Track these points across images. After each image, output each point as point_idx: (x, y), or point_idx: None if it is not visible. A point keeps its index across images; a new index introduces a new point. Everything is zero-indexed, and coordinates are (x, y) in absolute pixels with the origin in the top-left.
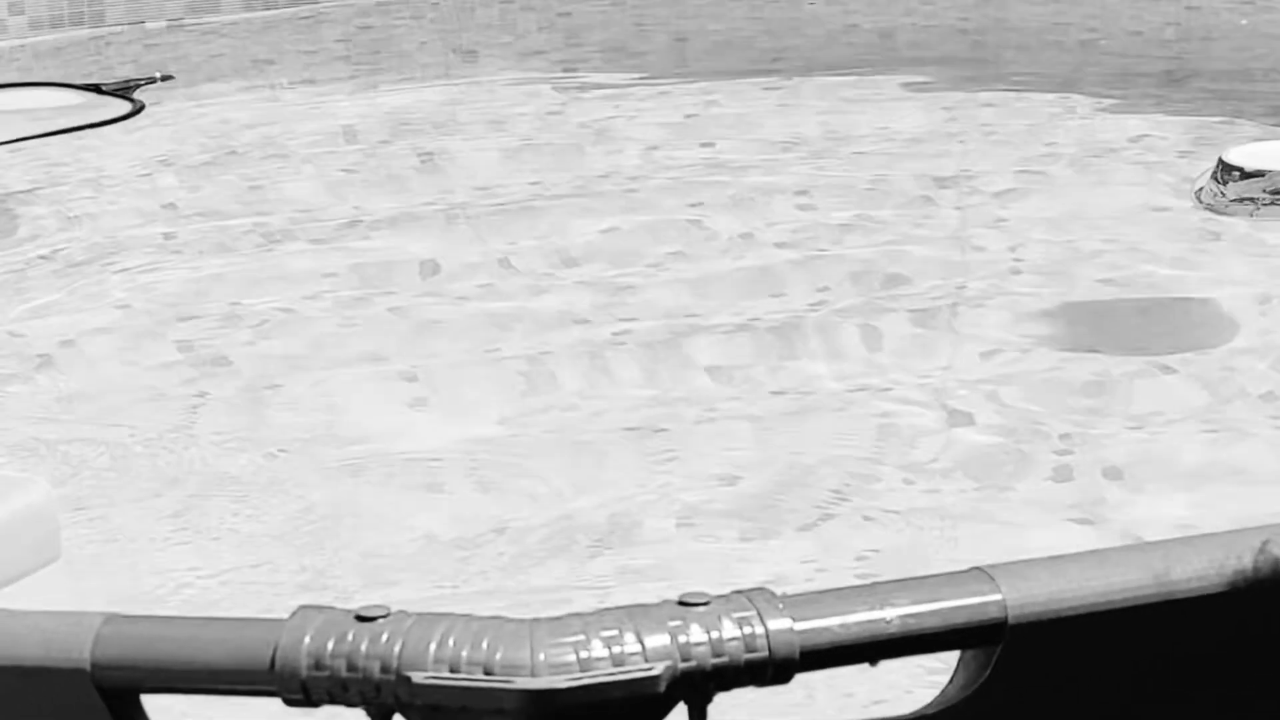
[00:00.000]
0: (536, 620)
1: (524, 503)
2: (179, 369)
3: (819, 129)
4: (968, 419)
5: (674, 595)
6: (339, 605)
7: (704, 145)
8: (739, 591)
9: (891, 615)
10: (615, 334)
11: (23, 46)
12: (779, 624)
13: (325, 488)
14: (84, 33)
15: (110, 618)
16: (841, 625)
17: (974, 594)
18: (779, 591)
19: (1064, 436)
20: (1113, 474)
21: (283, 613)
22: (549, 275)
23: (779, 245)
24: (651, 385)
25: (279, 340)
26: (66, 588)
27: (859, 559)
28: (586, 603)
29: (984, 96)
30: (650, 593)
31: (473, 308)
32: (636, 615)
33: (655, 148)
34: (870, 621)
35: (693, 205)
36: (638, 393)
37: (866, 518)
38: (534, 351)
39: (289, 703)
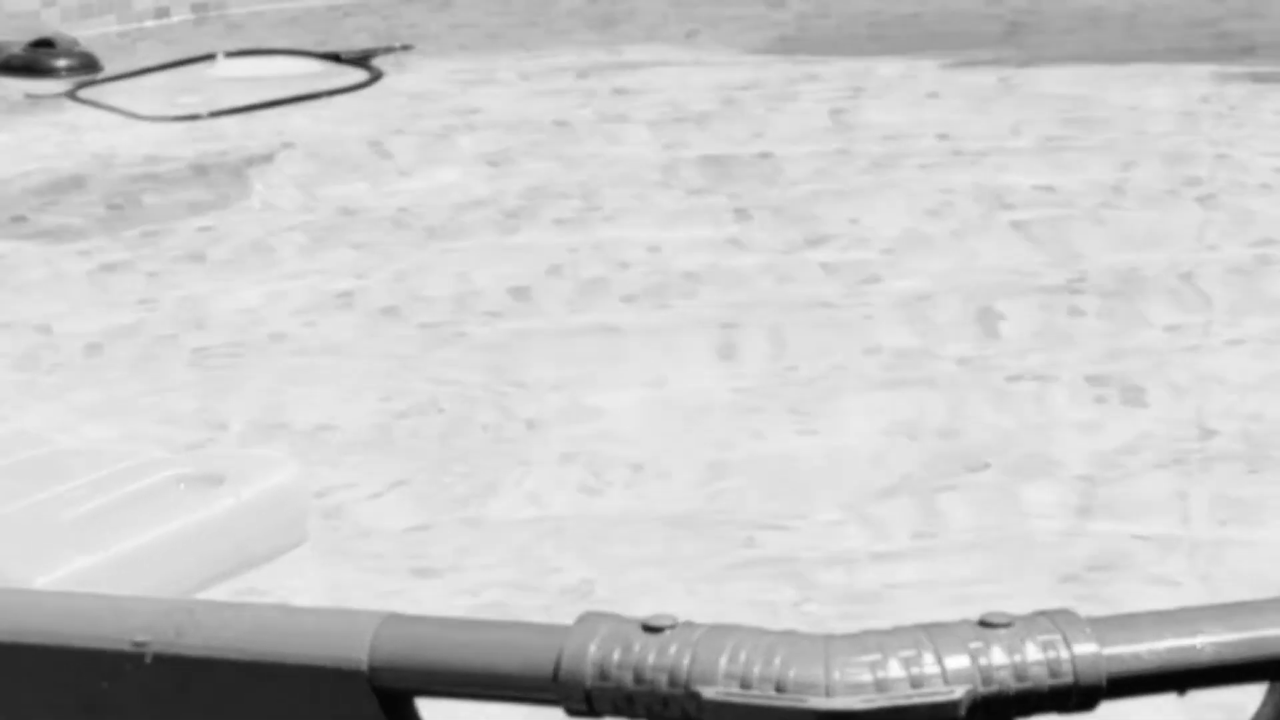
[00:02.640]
0: (830, 636)
1: None
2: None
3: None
4: None
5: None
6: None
7: None
8: (1042, 613)
9: (1203, 642)
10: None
11: (259, 14)
12: (1085, 648)
13: None
14: (321, 2)
15: (389, 618)
16: (1150, 652)
17: None
18: (1084, 614)
19: None
20: None
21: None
22: None
23: None
24: None
25: (514, 320)
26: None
27: None
28: None
29: None
30: None
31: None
32: (936, 634)
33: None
34: (1181, 649)
35: None
36: None
37: None
38: None
39: (571, 713)
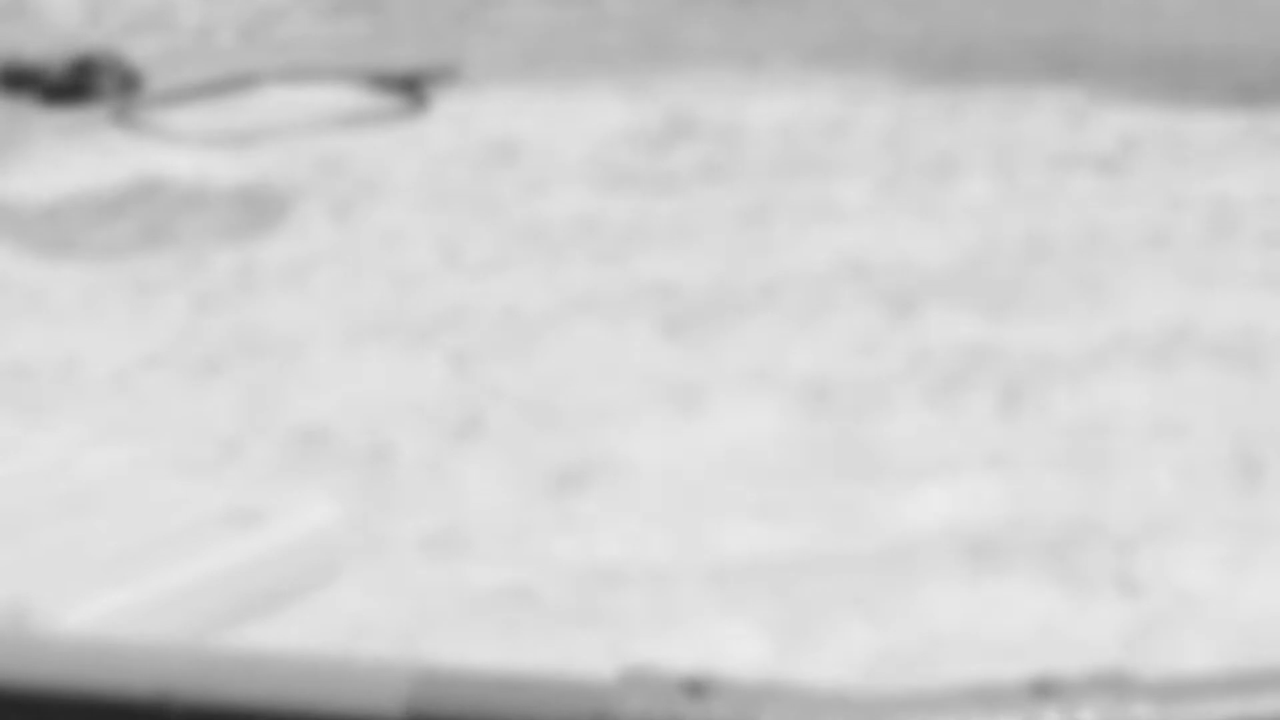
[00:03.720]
0: (879, 700)
1: None
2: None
3: None
4: None
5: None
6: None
7: None
8: (1099, 674)
9: (1268, 709)
10: None
11: (305, 38)
12: (1143, 712)
13: None
14: (365, 22)
15: (424, 674)
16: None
17: None
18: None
19: None
20: None
21: None
22: None
23: None
24: None
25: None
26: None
27: None
28: None
29: None
30: None
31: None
32: (988, 698)
33: None
34: (1243, 716)
35: None
36: None
37: None
38: None
39: None
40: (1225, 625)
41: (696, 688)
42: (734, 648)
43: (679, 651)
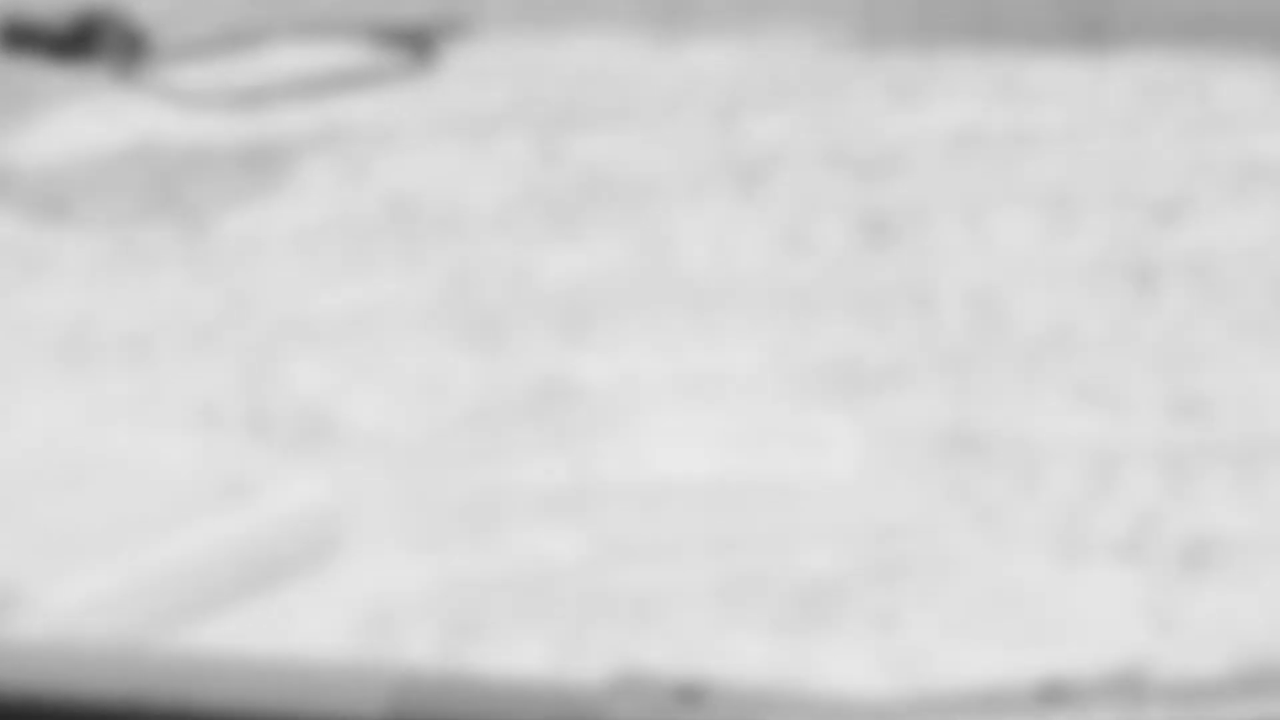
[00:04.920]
0: (882, 706)
1: None
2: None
3: None
4: None
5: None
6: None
7: None
8: (1113, 676)
9: None
10: None
11: None
12: (1158, 716)
13: None
14: None
15: (405, 677)
16: None
17: None
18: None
19: None
20: None
21: None
22: None
23: None
24: None
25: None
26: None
27: None
28: None
29: None
30: None
31: None
32: (995, 702)
33: None
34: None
35: None
36: None
37: None
38: None
39: None
40: None
41: (690, 694)
42: None
43: None
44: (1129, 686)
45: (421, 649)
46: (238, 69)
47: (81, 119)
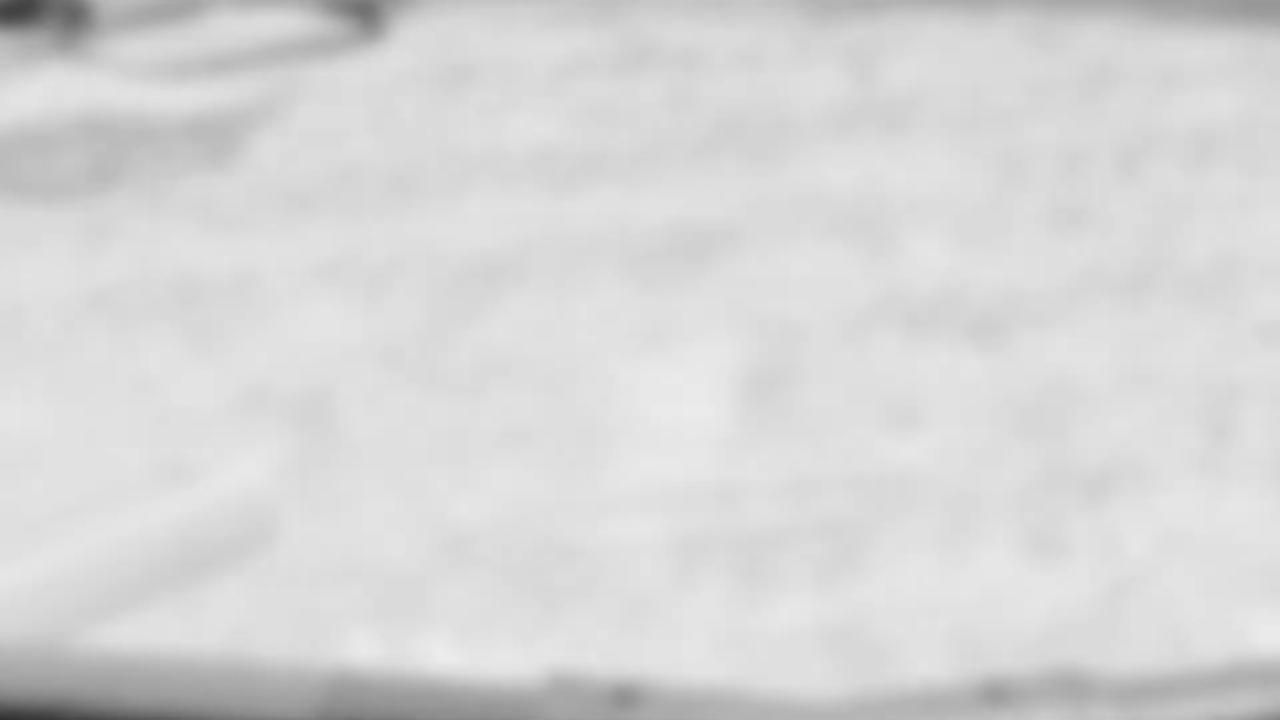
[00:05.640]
0: (823, 707)
1: None
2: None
3: None
4: None
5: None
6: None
7: None
8: (1056, 673)
9: (1238, 708)
10: None
11: None
12: (1102, 715)
13: None
14: None
15: (340, 676)
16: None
17: None
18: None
19: None
20: None
21: None
22: None
23: None
24: None
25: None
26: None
27: None
28: None
29: None
30: None
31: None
32: (938, 702)
33: None
34: (1206, 716)
35: None
36: None
37: None
38: None
39: None
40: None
41: (627, 695)
42: None
43: None
44: (1071, 686)
45: None
46: (183, 39)
47: (26, 90)
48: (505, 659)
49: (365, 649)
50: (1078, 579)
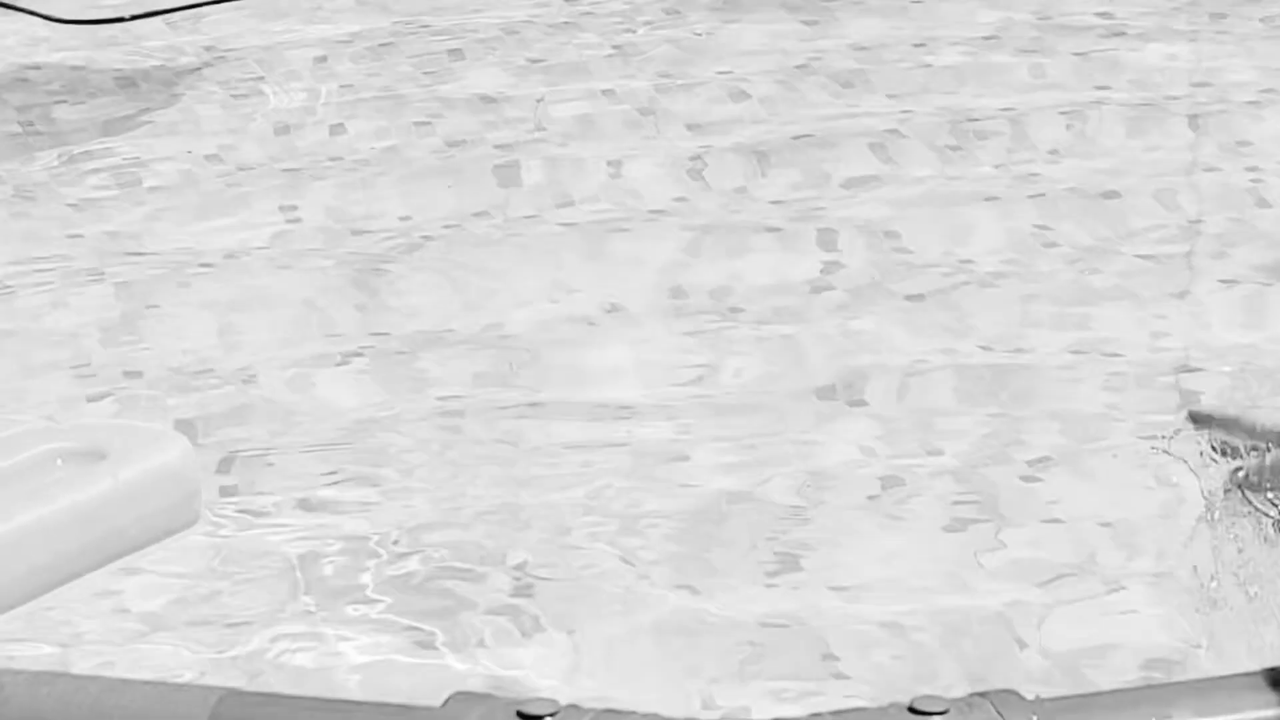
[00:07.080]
0: None
1: None
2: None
3: None
4: None
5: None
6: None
7: None
8: (981, 694)
9: None
10: None
11: None
12: None
13: None
14: None
15: (226, 695)
16: None
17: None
18: (1030, 695)
19: None
20: None
21: None
22: None
23: None
24: None
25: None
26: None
27: None
28: None
29: None
30: None
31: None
32: None
33: None
34: None
35: None
36: None
37: None
38: None
39: None
40: None
41: (527, 715)
42: None
43: None
44: (997, 702)
45: None
46: None
47: None
48: None
49: None
50: None
